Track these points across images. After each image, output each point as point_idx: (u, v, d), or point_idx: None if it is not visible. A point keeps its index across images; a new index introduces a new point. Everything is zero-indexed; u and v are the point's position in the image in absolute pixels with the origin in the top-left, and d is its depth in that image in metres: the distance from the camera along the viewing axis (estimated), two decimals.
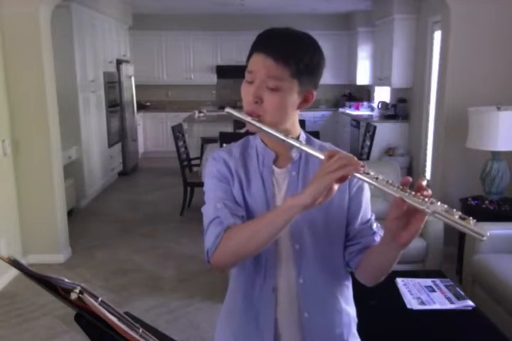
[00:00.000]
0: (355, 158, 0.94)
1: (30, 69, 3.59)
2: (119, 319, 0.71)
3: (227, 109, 1.11)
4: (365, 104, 8.28)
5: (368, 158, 5.32)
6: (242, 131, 5.78)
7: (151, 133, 8.68)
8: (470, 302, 2.21)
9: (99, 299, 0.71)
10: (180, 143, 5.23)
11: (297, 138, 1.15)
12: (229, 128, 6.01)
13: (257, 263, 1.15)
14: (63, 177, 4.02)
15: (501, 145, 3.29)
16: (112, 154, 6.62)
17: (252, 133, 1.17)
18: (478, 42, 3.76)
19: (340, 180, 0.93)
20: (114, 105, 6.71)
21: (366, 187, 1.18)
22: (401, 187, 0.92)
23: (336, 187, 0.95)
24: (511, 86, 3.77)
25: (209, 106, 8.76)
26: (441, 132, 4.04)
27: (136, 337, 0.72)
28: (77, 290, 0.70)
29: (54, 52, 3.88)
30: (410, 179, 0.93)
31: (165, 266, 3.87)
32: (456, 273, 3.46)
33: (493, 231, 2.95)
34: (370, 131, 5.36)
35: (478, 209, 3.44)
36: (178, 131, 5.22)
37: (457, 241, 3.50)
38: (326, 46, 9.70)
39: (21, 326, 2.96)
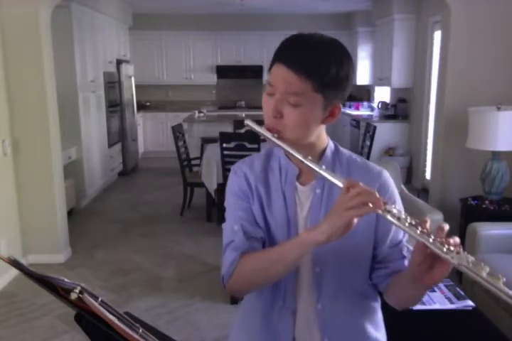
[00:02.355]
0: (377, 194, 0.87)
1: (30, 69, 3.59)
2: (119, 319, 0.71)
3: (248, 122, 1.04)
4: (365, 104, 8.28)
5: (368, 158, 5.32)
6: (242, 131, 5.78)
7: (151, 133, 8.67)
8: (470, 302, 2.21)
9: (99, 299, 0.71)
10: (180, 143, 5.23)
11: (324, 150, 1.09)
12: (229, 128, 6.01)
13: (276, 285, 1.10)
14: (63, 177, 4.02)
15: (501, 145, 3.30)
16: (112, 154, 6.62)
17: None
18: (478, 42, 3.76)
19: (359, 215, 0.88)
20: (114, 105, 6.71)
21: (399, 203, 1.10)
22: (425, 230, 0.84)
23: (355, 221, 0.88)
24: (511, 86, 3.77)
25: (209, 106, 8.76)
26: (441, 132, 4.04)
27: (136, 337, 0.72)
28: (77, 290, 0.69)
29: (54, 52, 3.87)
30: (429, 220, 0.86)
31: (165, 266, 3.87)
32: (456, 273, 3.46)
33: (493, 231, 2.96)
34: (370, 131, 5.37)
35: (478, 209, 3.44)
36: (178, 131, 5.22)
37: None
38: None
39: (21, 326, 2.96)
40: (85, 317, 0.75)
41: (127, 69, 7.19)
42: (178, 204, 5.28)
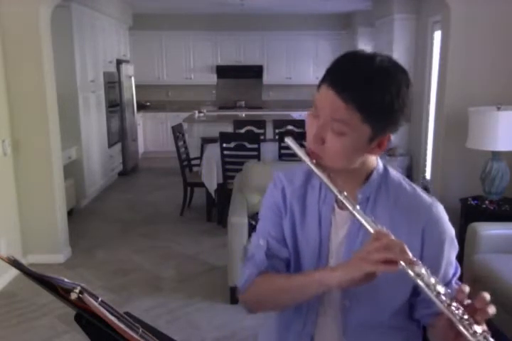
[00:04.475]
0: (407, 251, 0.80)
1: (30, 69, 3.59)
2: (119, 319, 0.71)
3: (288, 141, 0.95)
4: None
5: None
6: (242, 131, 5.78)
7: (151, 133, 8.67)
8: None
9: (99, 299, 0.71)
10: (180, 143, 5.23)
11: (371, 172, 1.01)
12: (229, 128, 6.00)
13: (297, 310, 1.04)
14: (63, 177, 4.02)
15: (501, 145, 3.29)
16: (112, 154, 6.62)
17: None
18: (478, 42, 3.75)
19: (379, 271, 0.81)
20: (114, 105, 6.71)
21: (449, 237, 1.02)
22: (454, 303, 0.78)
23: (379, 273, 0.82)
24: (511, 86, 3.77)
25: (209, 106, 8.76)
26: (441, 132, 4.04)
27: (136, 337, 0.72)
28: (77, 290, 0.69)
29: (54, 52, 3.87)
30: (467, 290, 0.81)
31: (165, 266, 3.86)
32: None
33: (493, 231, 2.96)
34: None
35: (478, 209, 3.44)
36: (178, 131, 5.22)
37: (457, 241, 3.50)
38: (326, 46, 9.57)
39: (21, 326, 2.96)
40: (85, 317, 0.75)
41: (127, 69, 7.19)
42: (178, 204, 5.27)
